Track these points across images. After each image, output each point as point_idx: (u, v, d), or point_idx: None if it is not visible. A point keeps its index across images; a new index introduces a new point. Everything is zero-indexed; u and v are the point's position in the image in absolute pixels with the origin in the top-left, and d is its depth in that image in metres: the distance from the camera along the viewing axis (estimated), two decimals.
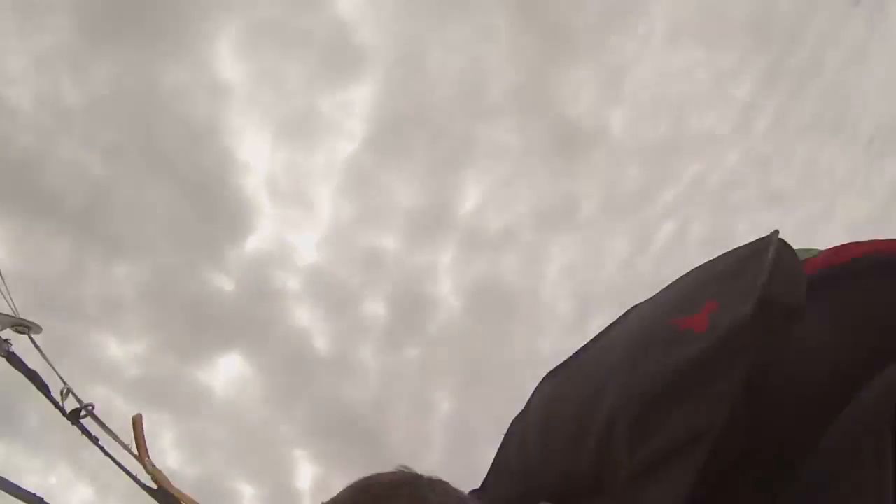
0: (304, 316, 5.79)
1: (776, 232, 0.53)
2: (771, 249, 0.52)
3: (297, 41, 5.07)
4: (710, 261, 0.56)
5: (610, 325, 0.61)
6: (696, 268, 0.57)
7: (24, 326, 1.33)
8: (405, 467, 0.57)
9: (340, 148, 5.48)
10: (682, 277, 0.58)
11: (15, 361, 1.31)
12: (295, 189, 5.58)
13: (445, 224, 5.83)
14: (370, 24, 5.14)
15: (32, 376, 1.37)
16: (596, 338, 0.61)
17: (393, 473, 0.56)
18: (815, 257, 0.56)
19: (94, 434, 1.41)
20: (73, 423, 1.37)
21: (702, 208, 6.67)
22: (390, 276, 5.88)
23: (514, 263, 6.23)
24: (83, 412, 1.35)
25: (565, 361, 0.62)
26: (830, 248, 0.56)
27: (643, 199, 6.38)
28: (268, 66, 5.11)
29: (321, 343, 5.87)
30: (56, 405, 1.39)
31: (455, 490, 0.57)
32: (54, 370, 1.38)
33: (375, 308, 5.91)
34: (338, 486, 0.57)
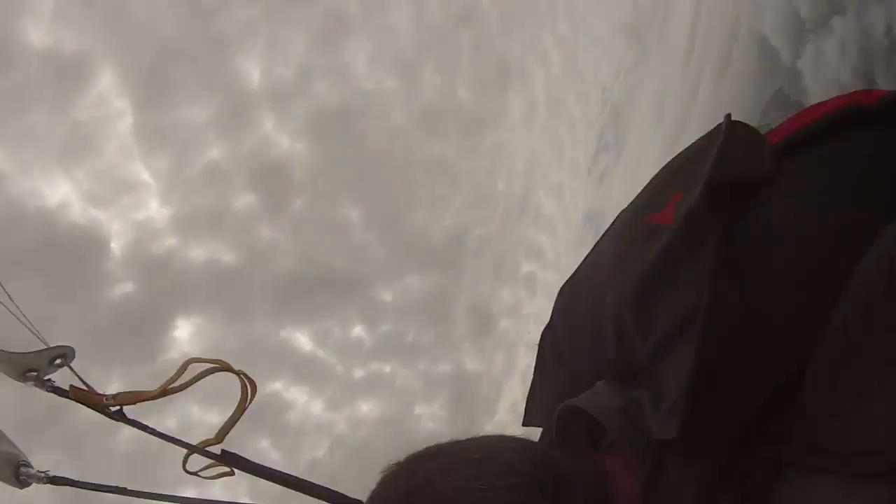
0: None
1: (728, 115, 0.54)
2: (723, 130, 0.53)
3: None
4: (675, 156, 0.57)
5: (602, 235, 0.63)
6: (664, 165, 0.58)
7: (60, 356, 1.01)
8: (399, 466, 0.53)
9: None
10: (653, 177, 0.58)
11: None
12: None
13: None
14: None
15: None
16: (593, 247, 0.63)
17: (393, 483, 0.52)
18: (781, 125, 0.55)
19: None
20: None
21: None
22: None
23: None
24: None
25: (572, 274, 0.64)
26: (797, 112, 0.55)
27: None
28: None
29: None
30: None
31: (478, 444, 0.54)
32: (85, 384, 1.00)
33: None
34: None
